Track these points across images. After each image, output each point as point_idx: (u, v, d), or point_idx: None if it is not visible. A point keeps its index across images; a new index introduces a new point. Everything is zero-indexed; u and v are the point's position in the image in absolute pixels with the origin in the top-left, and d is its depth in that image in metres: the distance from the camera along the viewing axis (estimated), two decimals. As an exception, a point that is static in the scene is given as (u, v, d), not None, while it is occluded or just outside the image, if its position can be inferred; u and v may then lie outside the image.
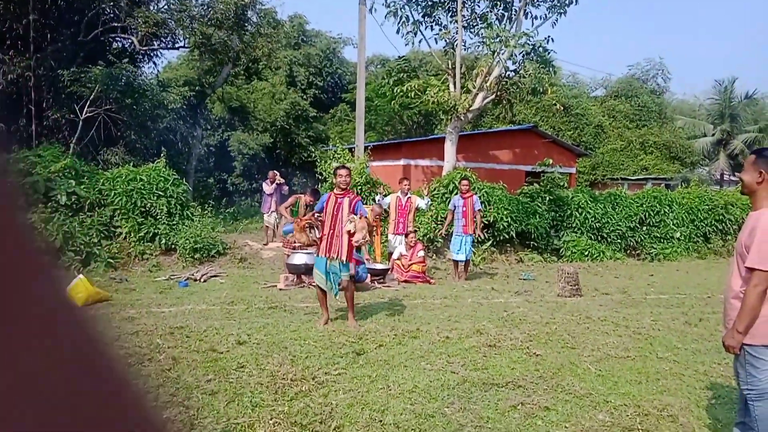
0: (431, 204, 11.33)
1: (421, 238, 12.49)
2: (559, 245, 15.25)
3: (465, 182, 10.97)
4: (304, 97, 31.10)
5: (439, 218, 13.31)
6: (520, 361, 5.45)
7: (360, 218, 6.47)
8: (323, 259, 6.57)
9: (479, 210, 11.11)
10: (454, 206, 11.02)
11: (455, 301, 8.67)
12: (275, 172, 14.31)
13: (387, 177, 16.54)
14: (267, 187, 14.23)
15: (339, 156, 14.51)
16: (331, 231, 6.55)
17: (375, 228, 10.82)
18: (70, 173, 12.00)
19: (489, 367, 5.23)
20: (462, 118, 15.21)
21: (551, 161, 16.20)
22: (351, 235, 6.48)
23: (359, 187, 13.33)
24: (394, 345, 5.88)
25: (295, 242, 7.48)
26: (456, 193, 11.78)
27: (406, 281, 10.51)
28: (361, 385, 4.67)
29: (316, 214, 6.71)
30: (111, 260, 10.83)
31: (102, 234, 11.38)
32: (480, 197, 13.82)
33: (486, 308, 8.09)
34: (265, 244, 13.38)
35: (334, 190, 6.70)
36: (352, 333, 6.20)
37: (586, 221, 15.76)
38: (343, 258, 6.51)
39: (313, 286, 7.18)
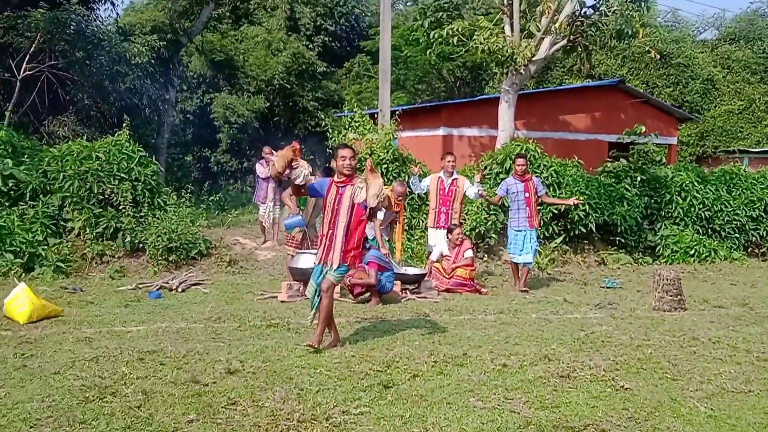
0: (483, 190, 11.26)
1: (468, 233, 12.47)
2: (655, 242, 15.09)
3: (521, 161, 10.92)
4: (311, 46, 31.22)
5: (492, 207, 13.27)
6: (603, 396, 5.41)
7: (367, 172, 6.67)
8: (320, 267, 6.69)
9: (546, 193, 11.08)
10: (507, 191, 10.97)
11: (515, 316, 8.65)
12: (270, 148, 14.26)
13: (421, 151, 16.53)
14: (261, 169, 14.22)
15: (357, 124, 14.53)
16: (331, 231, 6.63)
17: (397, 215, 10.78)
18: (6, 150, 12.22)
19: (561, 404, 5.20)
20: (522, 71, 15.09)
21: (644, 128, 16.02)
22: (363, 213, 6.61)
23: (385, 166, 13.34)
24: (433, 375, 5.88)
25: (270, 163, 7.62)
26: (510, 174, 11.72)
27: (448, 290, 10.51)
28: (389, 428, 4.68)
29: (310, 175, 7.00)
30: (61, 264, 11.01)
31: (49, 230, 11.57)
32: (548, 177, 13.76)
33: (556, 326, 8.04)
34: (262, 243, 13.53)
35: (335, 177, 6.78)
36: (378, 360, 6.22)
37: (692, 209, 15.58)
38: (334, 263, 6.56)
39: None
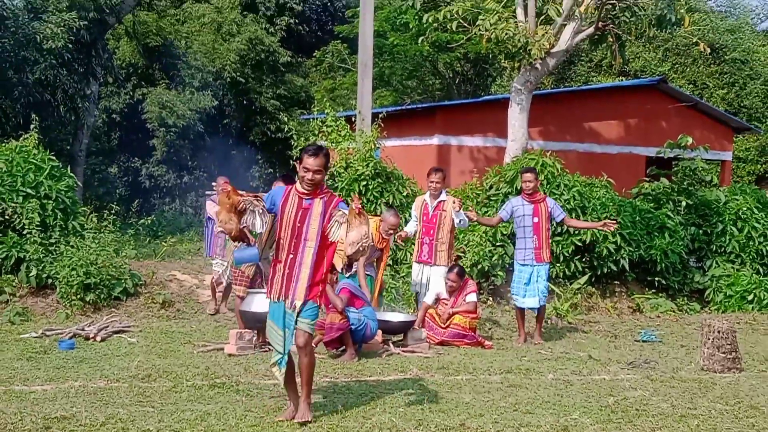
0: (470, 211, 11.23)
1: (468, 270, 12.48)
2: (704, 283, 15.14)
3: (528, 176, 10.94)
4: (271, 30, 31.37)
5: (499, 236, 13.30)
6: (639, 480, 5.42)
7: (352, 213, 6.39)
8: (280, 305, 6.45)
9: (565, 217, 11.10)
10: (512, 213, 10.98)
11: (526, 377, 8.63)
12: (227, 180, 13.14)
13: (411, 165, 16.56)
14: (211, 208, 13.38)
15: (330, 129, 14.56)
16: (291, 257, 6.42)
17: (381, 252, 10.79)
18: None
19: (585, 490, 5.20)
20: (538, 66, 15.22)
21: (690, 140, 16.12)
22: (318, 266, 6.40)
23: (364, 183, 13.36)
24: (422, 451, 5.86)
25: (220, 230, 7.18)
26: (517, 193, 11.76)
27: (443, 342, 10.50)
28: None
29: (260, 197, 6.65)
30: (-54, 303, 10.95)
31: (-69, 259, 11.49)
32: (569, 200, 13.81)
33: (578, 390, 8.03)
34: (212, 310, 12.78)
35: (297, 187, 6.54)
36: (353, 431, 6.20)
37: (751, 243, 15.64)
38: (297, 302, 6.35)
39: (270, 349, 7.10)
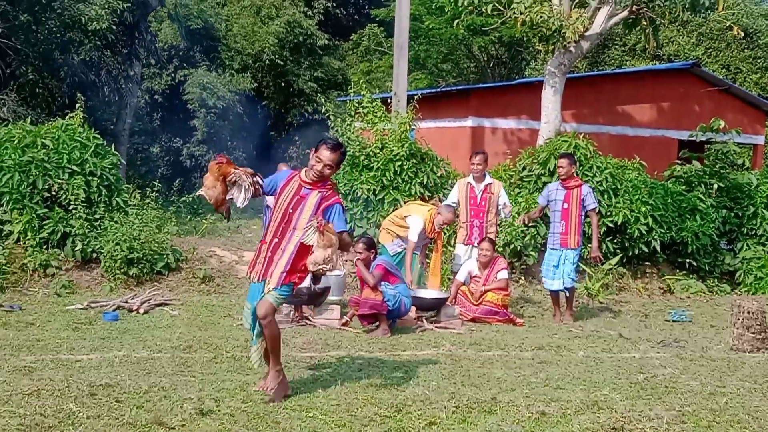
0: (513, 208, 11.33)
1: (501, 250, 12.49)
2: (735, 265, 15.06)
3: (563, 162, 10.91)
4: (310, 13, 31.31)
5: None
6: (667, 455, 5.41)
7: (327, 229, 6.10)
8: (259, 285, 6.26)
9: (595, 210, 11.04)
10: (548, 200, 10.99)
11: (557, 354, 8.64)
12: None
13: (445, 146, 16.56)
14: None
15: (366, 111, 14.56)
16: (276, 240, 6.24)
17: (432, 242, 10.87)
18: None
19: (614, 463, 5.21)
20: (573, 49, 15.12)
21: (723, 124, 15.98)
22: (301, 255, 6.17)
23: (399, 163, 13.36)
24: (454, 423, 5.88)
25: (201, 194, 6.63)
26: (556, 178, 11.72)
27: (475, 319, 10.54)
28: (400, 486, 4.70)
29: (255, 176, 6.36)
30: (-4, 276, 11.11)
31: (-19, 233, 11.66)
32: (602, 182, 13.76)
33: (608, 367, 8.03)
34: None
35: (302, 174, 6.33)
36: (386, 403, 6.23)
37: (782, 226, 15.51)
38: (270, 285, 6.15)
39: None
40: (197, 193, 6.71)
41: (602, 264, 12.48)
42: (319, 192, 6.19)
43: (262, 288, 6.19)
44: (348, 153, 11.61)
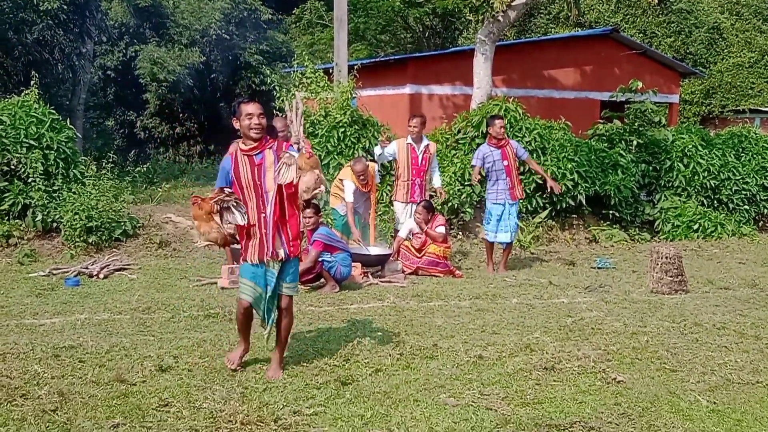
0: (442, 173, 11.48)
1: (440, 208, 12.55)
2: (654, 215, 15.29)
3: (500, 122, 10.97)
4: (253, -11, 30.84)
5: (467, 176, 13.34)
6: (592, 390, 5.53)
7: (302, 158, 5.80)
8: (260, 267, 5.82)
9: (528, 156, 11.23)
10: (483, 161, 11.03)
11: (493, 302, 8.74)
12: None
13: (385, 113, 16.52)
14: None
15: (309, 81, 14.46)
16: (263, 215, 5.76)
17: (368, 195, 10.90)
18: None
19: (544, 400, 5.30)
20: (501, 18, 15.12)
21: (640, 84, 16.14)
22: (293, 189, 5.76)
23: (342, 130, 13.33)
24: (398, 370, 5.96)
25: (206, 244, 6.18)
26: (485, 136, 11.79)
27: (417, 271, 10.59)
28: (348, 429, 4.74)
29: (226, 190, 5.75)
30: (-41, 248, 10.90)
31: (-57, 207, 11.42)
32: (530, 142, 13.87)
33: (540, 312, 8.15)
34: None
35: (240, 144, 5.85)
36: (335, 353, 6.27)
37: (696, 178, 15.75)
38: (280, 253, 5.78)
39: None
40: (202, 246, 6.35)
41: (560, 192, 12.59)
42: (270, 149, 5.73)
43: (262, 269, 5.78)
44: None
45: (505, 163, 10.83)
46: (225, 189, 5.74)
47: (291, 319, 6.02)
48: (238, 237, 6.17)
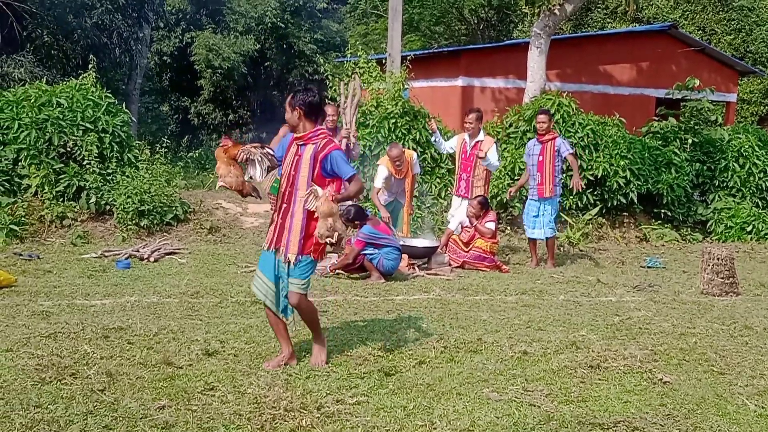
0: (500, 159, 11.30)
1: (489, 201, 12.47)
2: (707, 216, 15.09)
3: (543, 117, 10.88)
4: (310, -22, 30.96)
5: (518, 170, 13.26)
6: (638, 390, 5.47)
7: (327, 191, 5.50)
8: (270, 254, 5.70)
9: (572, 153, 10.98)
10: (527, 155, 11.04)
11: (539, 298, 8.71)
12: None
13: (437, 105, 16.48)
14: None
15: (362, 71, 14.48)
16: (285, 206, 5.62)
17: (404, 182, 10.75)
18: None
19: (589, 399, 5.25)
20: (557, 12, 15.00)
21: (698, 82, 15.93)
22: (311, 216, 5.56)
23: (393, 121, 13.32)
24: (442, 362, 5.95)
25: (221, 185, 5.94)
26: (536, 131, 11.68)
27: (463, 265, 10.57)
28: (390, 420, 4.74)
29: (265, 147, 5.72)
30: (15, 227, 11.08)
31: (1, 187, 11.62)
32: (583, 138, 13.75)
33: (587, 310, 8.09)
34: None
35: (295, 132, 5.76)
36: (379, 344, 6.28)
37: (751, 179, 15.54)
38: (290, 255, 5.57)
39: (258, 301, 6.22)
40: (217, 186, 6.33)
41: (583, 190, 12.47)
42: (312, 144, 5.56)
43: (273, 257, 5.64)
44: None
45: (540, 158, 10.76)
46: (265, 146, 5.72)
47: (305, 314, 5.76)
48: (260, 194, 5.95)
